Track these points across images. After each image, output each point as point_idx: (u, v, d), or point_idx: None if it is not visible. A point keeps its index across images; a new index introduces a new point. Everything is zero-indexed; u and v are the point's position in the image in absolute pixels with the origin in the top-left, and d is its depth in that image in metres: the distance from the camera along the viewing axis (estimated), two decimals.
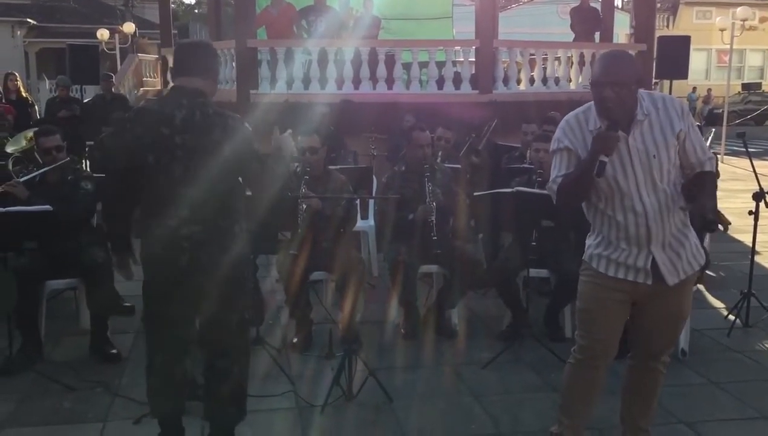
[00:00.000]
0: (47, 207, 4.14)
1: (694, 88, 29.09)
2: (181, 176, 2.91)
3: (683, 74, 10.58)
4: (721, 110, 19.07)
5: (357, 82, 9.35)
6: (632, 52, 10.64)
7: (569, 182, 2.90)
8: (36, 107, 10.73)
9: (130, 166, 3.00)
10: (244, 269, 3.17)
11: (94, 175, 4.70)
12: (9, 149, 5.25)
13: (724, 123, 15.88)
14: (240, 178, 3.13)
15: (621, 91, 2.76)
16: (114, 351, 4.46)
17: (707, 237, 5.01)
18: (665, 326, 3.07)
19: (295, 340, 4.64)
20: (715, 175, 3.01)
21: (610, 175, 2.84)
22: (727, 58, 20.65)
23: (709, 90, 30.01)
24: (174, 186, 2.92)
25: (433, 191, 4.92)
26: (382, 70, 9.37)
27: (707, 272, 5.16)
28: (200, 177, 2.91)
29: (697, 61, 28.46)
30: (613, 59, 2.87)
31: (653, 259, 2.89)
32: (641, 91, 2.86)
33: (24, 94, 10.15)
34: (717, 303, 5.63)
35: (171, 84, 3.09)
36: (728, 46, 16.86)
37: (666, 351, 3.18)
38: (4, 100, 9.53)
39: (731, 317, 5.08)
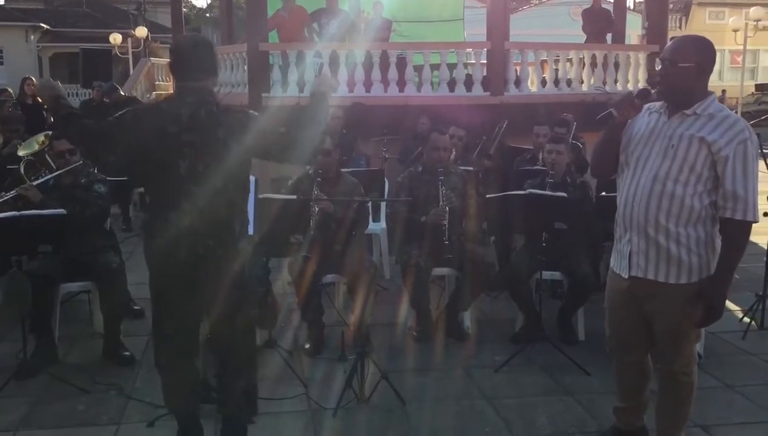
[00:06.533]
0: (61, 211, 4.16)
1: None
2: (187, 173, 2.93)
3: None
4: (735, 111, 18.94)
5: (368, 84, 9.34)
6: (644, 53, 10.65)
7: (597, 142, 3.10)
8: None
9: (133, 161, 3.03)
10: (245, 266, 3.15)
11: (108, 178, 4.73)
12: (21, 153, 5.23)
13: None
14: (249, 171, 3.10)
15: (669, 68, 2.90)
16: (127, 354, 4.48)
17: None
18: (660, 336, 3.07)
19: (307, 344, 4.65)
20: (742, 227, 2.84)
21: (632, 145, 2.99)
22: (740, 59, 20.53)
23: (723, 91, 29.79)
24: (180, 182, 2.94)
25: (446, 195, 4.91)
26: (393, 73, 9.37)
27: None
28: (206, 173, 2.93)
29: None
30: (673, 41, 3.02)
31: (631, 247, 2.98)
32: (719, 102, 2.94)
33: (39, 99, 10.23)
34: (732, 306, 5.57)
35: (176, 84, 3.05)
36: (741, 47, 16.76)
37: (662, 362, 3.12)
38: (17, 104, 9.60)
39: (746, 320, 5.05)
